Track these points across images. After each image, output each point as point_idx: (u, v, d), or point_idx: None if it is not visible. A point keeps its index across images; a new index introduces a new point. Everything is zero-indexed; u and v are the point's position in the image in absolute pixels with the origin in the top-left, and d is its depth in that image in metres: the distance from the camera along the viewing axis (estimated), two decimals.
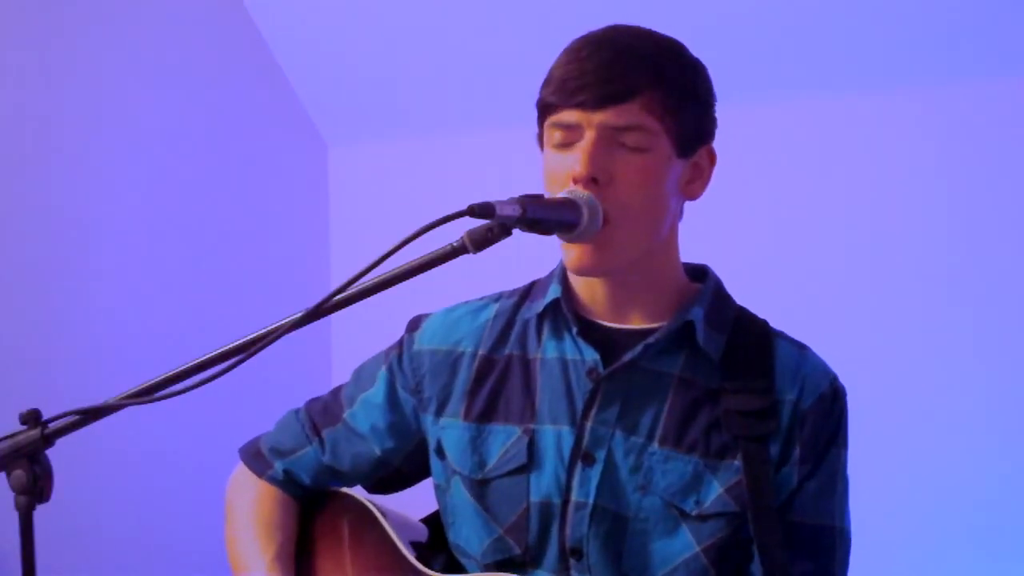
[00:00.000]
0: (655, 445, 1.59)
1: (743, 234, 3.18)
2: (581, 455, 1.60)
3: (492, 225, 1.40)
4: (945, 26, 2.99)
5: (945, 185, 3.10)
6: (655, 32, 1.62)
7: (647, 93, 1.54)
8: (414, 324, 1.78)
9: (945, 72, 3.05)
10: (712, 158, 1.64)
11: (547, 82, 1.59)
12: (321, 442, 1.79)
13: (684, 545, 1.57)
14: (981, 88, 3.03)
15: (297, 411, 1.84)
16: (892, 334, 3.12)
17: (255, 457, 1.83)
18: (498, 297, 1.76)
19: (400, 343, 1.77)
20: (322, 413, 1.80)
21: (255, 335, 1.39)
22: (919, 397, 3.08)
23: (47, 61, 3.15)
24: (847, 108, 3.17)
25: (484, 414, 1.67)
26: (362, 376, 1.80)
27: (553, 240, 1.57)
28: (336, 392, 1.81)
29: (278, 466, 1.81)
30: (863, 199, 3.17)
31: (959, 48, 3.02)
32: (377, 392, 1.76)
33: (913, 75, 3.08)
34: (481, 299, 1.77)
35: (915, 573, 3.04)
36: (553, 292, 1.66)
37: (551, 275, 1.70)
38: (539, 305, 1.67)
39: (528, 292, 1.73)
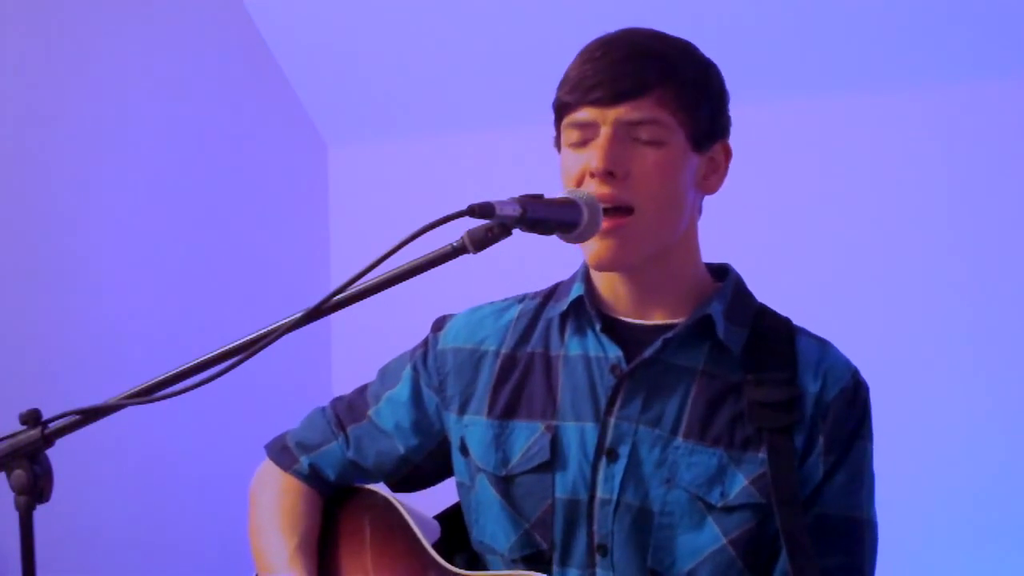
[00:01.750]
0: (679, 439, 1.60)
1: (743, 234, 3.18)
2: (605, 451, 1.62)
3: (492, 225, 1.41)
4: (945, 26, 2.99)
5: (945, 185, 3.11)
6: (668, 34, 1.65)
7: (661, 89, 1.57)
8: (439, 324, 1.80)
9: (945, 72, 3.06)
10: (728, 153, 1.67)
11: (563, 83, 1.62)
12: (346, 438, 1.81)
13: (711, 538, 1.58)
14: (981, 88, 3.04)
15: (323, 408, 1.86)
16: (892, 333, 3.12)
17: (281, 451, 1.85)
18: (522, 298, 1.78)
19: (425, 342, 1.80)
20: (347, 410, 1.83)
21: (255, 335, 1.39)
22: (919, 396, 3.08)
23: (47, 61, 3.15)
24: (847, 108, 3.17)
25: (507, 411, 1.69)
26: (387, 374, 1.82)
27: (554, 240, 1.57)
28: (362, 390, 1.84)
29: (304, 460, 1.82)
30: (863, 199, 3.18)
31: (959, 48, 3.02)
32: (402, 390, 1.78)
33: (913, 75, 3.09)
34: (505, 300, 1.80)
35: (917, 569, 3.04)
36: (576, 291, 1.68)
37: (574, 275, 1.72)
38: (563, 304, 1.70)
39: (552, 293, 1.75)
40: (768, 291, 1.75)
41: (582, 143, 1.59)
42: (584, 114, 1.58)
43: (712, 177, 1.66)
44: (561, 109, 1.61)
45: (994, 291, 3.06)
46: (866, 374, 1.67)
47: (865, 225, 3.18)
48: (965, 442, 3.05)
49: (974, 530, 3.03)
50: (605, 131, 1.56)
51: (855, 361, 1.67)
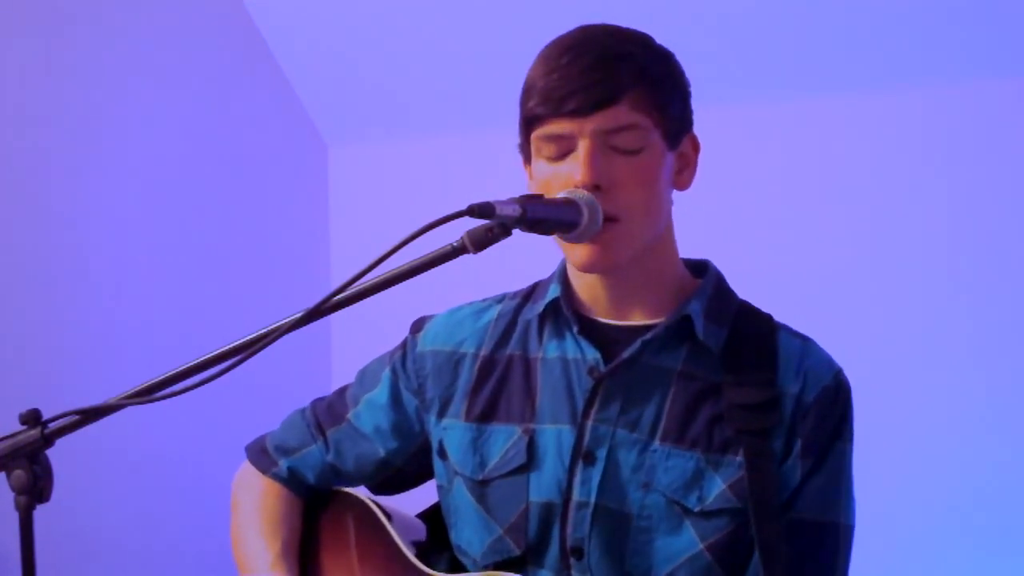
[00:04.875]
0: (657, 442, 1.58)
1: (743, 234, 3.18)
2: (582, 454, 1.60)
3: (492, 225, 1.40)
4: (945, 26, 2.99)
5: (945, 185, 3.11)
6: (624, 28, 1.61)
7: (633, 91, 1.54)
8: (417, 325, 1.78)
9: (945, 72, 3.05)
10: (696, 146, 1.65)
11: (528, 93, 1.57)
12: (325, 441, 1.79)
13: (688, 542, 1.57)
14: (981, 88, 3.03)
15: (303, 410, 1.84)
16: (891, 333, 3.12)
17: (260, 454, 1.84)
18: (501, 298, 1.76)
19: (403, 344, 1.78)
20: (327, 413, 1.81)
21: (255, 335, 1.39)
22: (917, 396, 3.08)
23: (47, 61, 3.15)
24: (847, 108, 3.17)
25: (485, 414, 1.67)
26: (366, 377, 1.80)
27: (553, 240, 1.57)
28: (341, 392, 1.82)
29: (283, 464, 1.81)
30: (863, 199, 3.18)
31: (959, 48, 3.02)
32: (381, 393, 1.76)
33: (913, 75, 3.08)
34: (484, 300, 1.77)
35: (909, 571, 3.04)
36: (553, 292, 1.66)
37: (552, 276, 1.70)
38: (540, 305, 1.67)
39: (531, 293, 1.73)
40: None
41: (559, 156, 1.55)
42: (559, 127, 1.54)
43: (684, 172, 1.63)
44: (531, 122, 1.57)
45: (993, 291, 3.06)
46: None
47: (865, 225, 3.17)
48: (963, 443, 3.05)
49: (969, 532, 3.03)
50: (584, 144, 1.53)
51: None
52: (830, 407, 1.59)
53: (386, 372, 1.77)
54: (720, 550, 1.57)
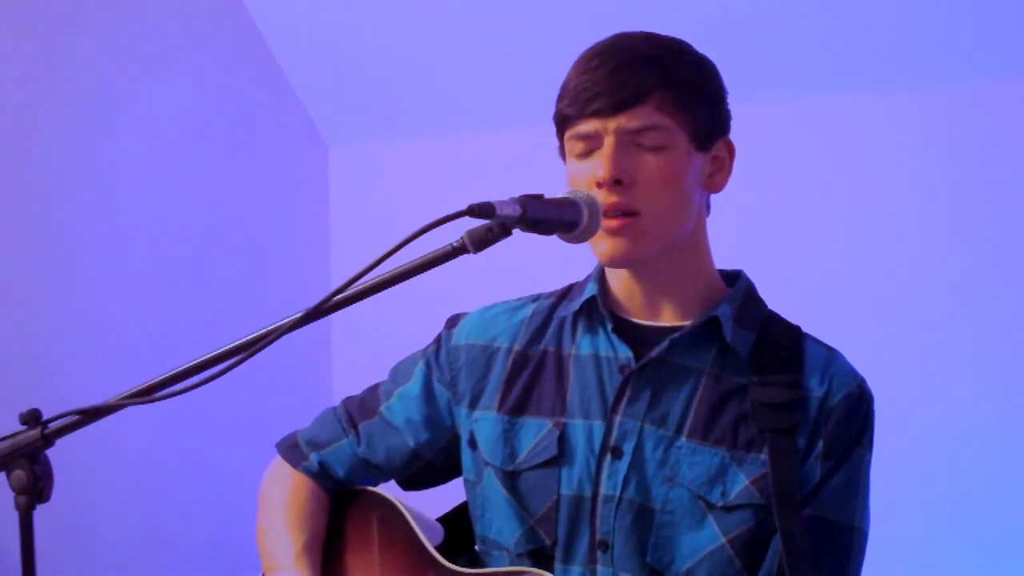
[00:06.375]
0: (683, 438, 1.62)
1: (742, 233, 3.18)
2: (610, 448, 1.63)
3: (492, 225, 1.41)
4: (945, 27, 2.99)
5: (945, 186, 3.11)
6: (660, 35, 1.66)
7: (658, 94, 1.58)
8: (452, 321, 1.82)
9: (945, 73, 3.06)
10: (731, 150, 1.69)
11: (562, 95, 1.63)
12: (357, 435, 1.82)
13: (710, 537, 1.60)
14: (981, 89, 3.04)
15: (335, 407, 1.88)
16: (890, 333, 3.12)
17: (291, 449, 1.87)
18: (536, 298, 1.80)
19: (438, 339, 1.81)
20: (359, 407, 1.84)
21: (255, 335, 1.39)
22: (917, 396, 3.08)
23: (48, 61, 3.15)
24: (847, 108, 3.17)
25: (517, 407, 1.71)
26: (399, 372, 1.84)
27: (554, 241, 1.57)
28: (373, 388, 1.86)
29: (314, 458, 1.84)
30: (863, 199, 3.18)
31: (959, 49, 3.02)
32: (414, 386, 1.80)
33: (913, 75, 3.09)
34: (518, 299, 1.81)
35: (909, 571, 3.05)
36: (590, 291, 1.70)
37: (589, 276, 1.74)
38: (576, 303, 1.71)
39: (566, 293, 1.77)
40: (767, 290, 1.76)
41: (587, 153, 1.61)
42: (586, 126, 1.60)
43: (717, 176, 1.67)
44: (562, 122, 1.63)
45: (993, 291, 3.06)
46: (863, 373, 1.67)
47: (864, 225, 3.18)
48: (963, 443, 3.05)
49: (969, 532, 3.03)
50: (608, 141, 1.58)
51: (853, 360, 1.67)
52: (853, 412, 1.63)
53: (419, 366, 1.81)
54: (741, 545, 1.59)
